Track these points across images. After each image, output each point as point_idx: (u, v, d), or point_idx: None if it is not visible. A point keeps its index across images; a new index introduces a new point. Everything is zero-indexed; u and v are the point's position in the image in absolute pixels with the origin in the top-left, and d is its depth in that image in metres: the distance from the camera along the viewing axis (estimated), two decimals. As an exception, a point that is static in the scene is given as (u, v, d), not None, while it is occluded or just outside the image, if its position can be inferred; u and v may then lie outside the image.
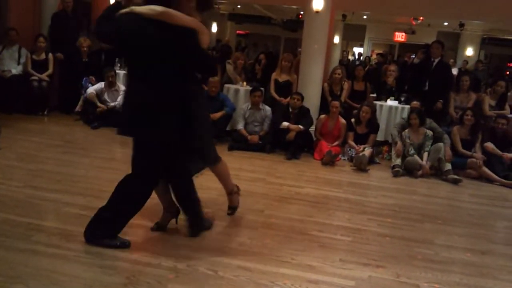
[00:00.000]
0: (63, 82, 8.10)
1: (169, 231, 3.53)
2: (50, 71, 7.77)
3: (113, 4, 3.25)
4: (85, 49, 7.98)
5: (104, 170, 4.98)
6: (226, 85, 7.75)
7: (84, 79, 7.75)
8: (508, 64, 17.81)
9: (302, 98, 6.73)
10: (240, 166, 5.71)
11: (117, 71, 7.78)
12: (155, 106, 3.02)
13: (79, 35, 8.15)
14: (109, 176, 4.75)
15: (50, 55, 7.80)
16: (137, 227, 3.61)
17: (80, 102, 7.62)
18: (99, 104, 7.24)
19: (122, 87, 7.49)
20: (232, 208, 3.95)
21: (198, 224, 3.54)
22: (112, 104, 7.31)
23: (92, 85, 7.53)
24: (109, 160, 5.50)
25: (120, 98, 7.34)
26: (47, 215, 3.72)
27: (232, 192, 3.86)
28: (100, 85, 7.40)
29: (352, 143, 6.64)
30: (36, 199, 3.95)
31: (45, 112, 7.65)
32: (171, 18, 2.93)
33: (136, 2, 3.12)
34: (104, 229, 3.17)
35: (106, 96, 7.37)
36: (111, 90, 7.40)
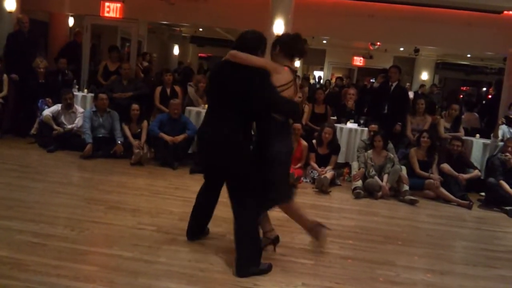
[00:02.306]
0: (17, 104, 7.84)
1: (129, 258, 3.40)
2: (4, 92, 7.50)
3: None
4: (41, 70, 7.78)
5: (59, 195, 4.79)
6: (188, 108, 7.69)
7: (40, 100, 7.51)
8: (462, 88, 18.56)
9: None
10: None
11: (75, 93, 7.60)
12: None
13: (35, 55, 7.94)
14: (63, 202, 4.60)
15: (5, 76, 7.53)
16: (94, 255, 3.48)
17: (36, 125, 7.37)
18: (55, 127, 7.02)
19: (80, 109, 7.32)
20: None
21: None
22: (69, 126, 7.11)
23: (49, 107, 7.31)
24: (65, 184, 5.30)
25: (78, 120, 7.15)
26: (-4, 243, 3.53)
27: (311, 229, 3.64)
28: (57, 107, 7.19)
29: (315, 165, 6.68)
30: (-15, 226, 3.74)
31: (-2, 135, 7.36)
32: (241, 59, 3.31)
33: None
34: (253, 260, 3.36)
35: (63, 119, 7.16)
36: (69, 112, 7.20)
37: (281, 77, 3.35)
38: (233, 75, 3.35)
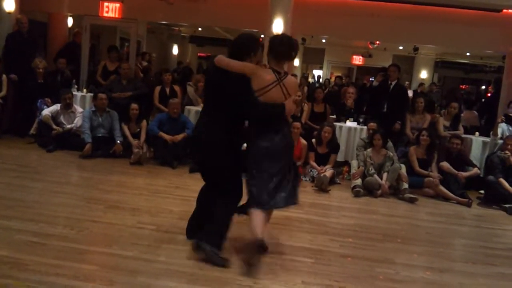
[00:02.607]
0: (17, 104, 7.83)
1: (128, 257, 3.40)
2: (3, 92, 7.49)
3: None
4: (40, 70, 7.78)
5: (58, 195, 4.79)
6: (187, 107, 7.71)
7: (39, 100, 7.51)
8: (461, 86, 18.55)
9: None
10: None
11: (74, 93, 7.60)
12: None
13: (34, 56, 7.93)
14: (63, 201, 4.60)
15: (4, 76, 7.53)
16: (93, 254, 3.48)
17: (35, 125, 7.36)
18: (54, 127, 7.01)
19: (79, 109, 7.32)
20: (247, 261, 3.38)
21: (205, 241, 3.41)
22: (69, 126, 7.11)
23: (48, 107, 7.31)
24: (64, 184, 5.30)
25: (77, 120, 7.15)
26: (-4, 243, 3.53)
27: (249, 244, 3.37)
28: (56, 107, 7.18)
29: (314, 164, 6.68)
30: (-16, 226, 3.74)
31: (-3, 135, 7.36)
32: (226, 65, 3.38)
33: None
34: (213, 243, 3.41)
35: (62, 118, 7.15)
36: (68, 112, 7.20)
37: (261, 79, 3.37)
38: (226, 79, 3.39)
